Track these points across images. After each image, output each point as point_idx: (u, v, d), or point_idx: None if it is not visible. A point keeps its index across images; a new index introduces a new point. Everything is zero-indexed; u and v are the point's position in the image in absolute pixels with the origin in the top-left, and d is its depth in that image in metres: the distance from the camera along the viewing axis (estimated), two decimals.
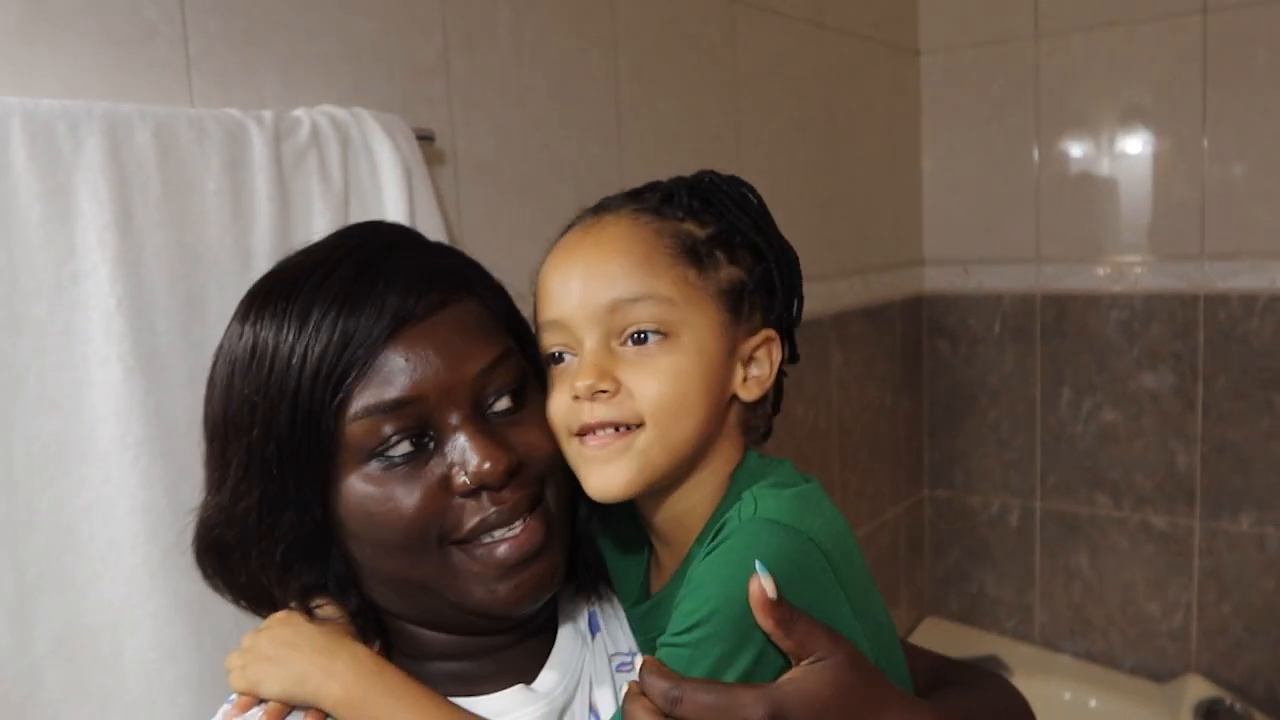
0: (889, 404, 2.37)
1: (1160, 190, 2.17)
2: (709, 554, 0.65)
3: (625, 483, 0.68)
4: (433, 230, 1.10)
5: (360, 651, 0.70)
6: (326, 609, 0.73)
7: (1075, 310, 2.28)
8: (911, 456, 2.49)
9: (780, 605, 0.61)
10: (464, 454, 0.67)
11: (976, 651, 2.36)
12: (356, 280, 0.67)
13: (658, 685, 0.60)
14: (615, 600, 0.84)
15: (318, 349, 0.65)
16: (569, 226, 0.75)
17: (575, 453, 0.71)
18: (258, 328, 0.68)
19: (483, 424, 0.69)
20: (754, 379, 0.73)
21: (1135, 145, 2.18)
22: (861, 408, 2.26)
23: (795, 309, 0.76)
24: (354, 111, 1.07)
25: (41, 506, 0.84)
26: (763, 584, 0.60)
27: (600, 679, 0.78)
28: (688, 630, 0.62)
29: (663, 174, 0.79)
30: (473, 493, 0.67)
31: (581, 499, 0.76)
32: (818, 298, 2.06)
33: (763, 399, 0.74)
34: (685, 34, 1.68)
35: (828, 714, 0.60)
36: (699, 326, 0.70)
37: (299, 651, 0.69)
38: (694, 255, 0.71)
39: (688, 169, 0.77)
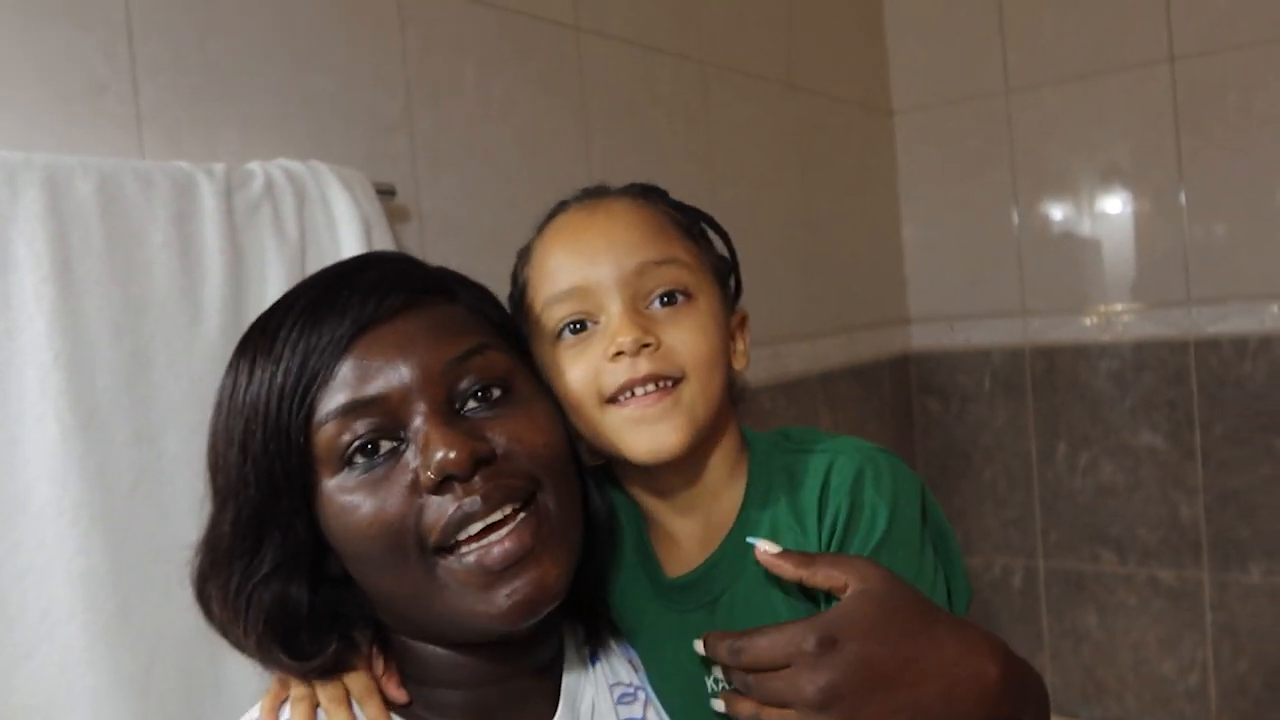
0: None
1: (1141, 240, 2.16)
2: (845, 489, 0.71)
3: (678, 440, 0.70)
4: None
5: None
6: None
7: (1065, 362, 2.24)
8: None
9: (790, 554, 0.68)
10: (427, 447, 0.64)
11: None
12: (322, 295, 0.68)
13: (721, 644, 0.66)
14: (610, 637, 0.82)
15: (282, 364, 0.65)
16: (557, 211, 0.79)
17: (613, 418, 0.71)
18: (237, 367, 0.68)
19: (449, 416, 0.66)
20: (740, 352, 0.79)
21: (1113, 197, 2.18)
22: None
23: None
24: (311, 165, 1.05)
25: None
26: (764, 548, 0.69)
27: (602, 712, 0.75)
28: (880, 542, 0.69)
29: None
30: (440, 487, 0.64)
31: (594, 522, 0.76)
32: (803, 357, 2.03)
33: (739, 382, 0.80)
34: (656, 94, 1.68)
35: (876, 632, 0.63)
36: (709, 293, 0.75)
37: None
38: (691, 234, 0.77)
39: None
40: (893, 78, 2.41)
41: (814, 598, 0.70)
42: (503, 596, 0.65)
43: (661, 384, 0.70)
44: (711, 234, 0.83)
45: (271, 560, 0.66)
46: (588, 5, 1.53)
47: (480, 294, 0.75)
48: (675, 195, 1.63)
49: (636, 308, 0.71)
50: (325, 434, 0.65)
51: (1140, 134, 2.12)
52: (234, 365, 0.69)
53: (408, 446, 0.66)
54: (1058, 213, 2.24)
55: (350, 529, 0.65)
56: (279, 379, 0.65)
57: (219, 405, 0.69)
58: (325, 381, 0.65)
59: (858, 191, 2.29)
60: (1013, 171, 2.27)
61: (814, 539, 0.72)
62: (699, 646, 0.70)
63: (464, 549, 0.65)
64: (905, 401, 2.43)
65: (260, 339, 0.68)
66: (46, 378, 0.82)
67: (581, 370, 0.72)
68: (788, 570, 0.68)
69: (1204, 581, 2.11)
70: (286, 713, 0.68)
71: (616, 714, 0.76)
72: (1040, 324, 2.27)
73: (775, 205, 2.00)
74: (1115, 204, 2.18)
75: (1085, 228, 2.22)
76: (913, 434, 2.46)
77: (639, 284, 0.72)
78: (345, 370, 0.65)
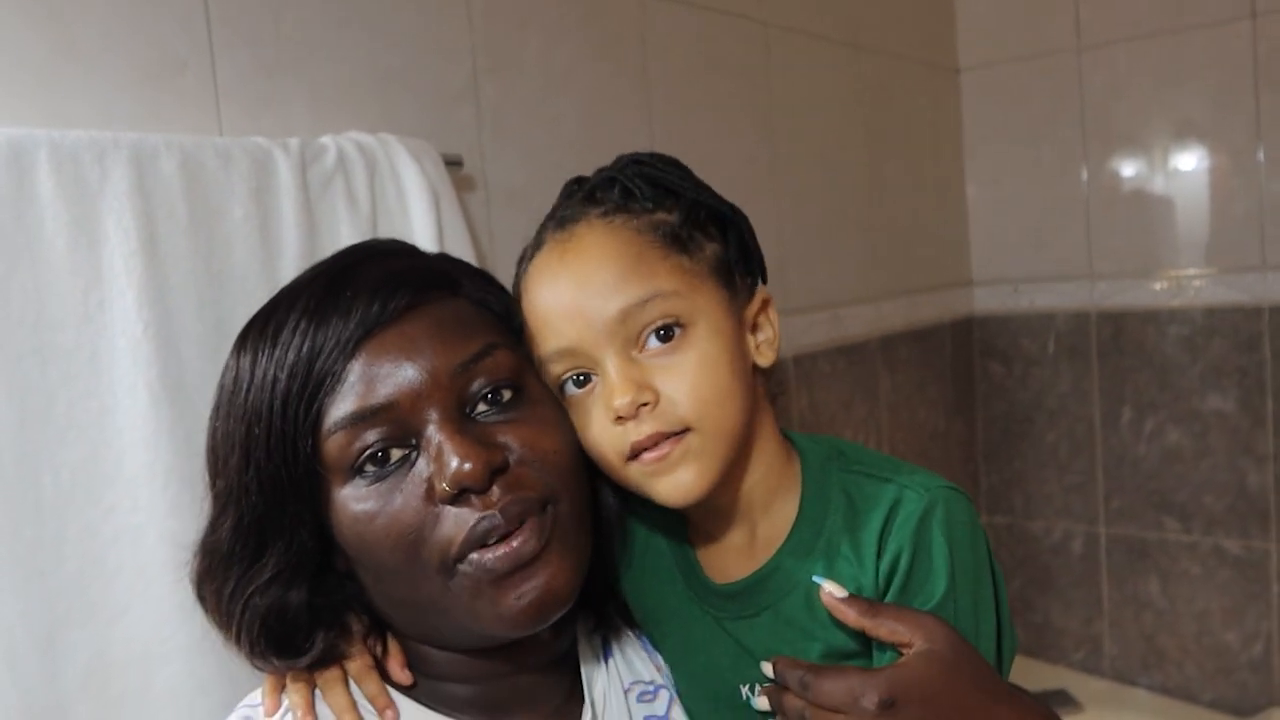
0: (941, 428, 2.31)
1: (1215, 202, 2.09)
2: (908, 531, 0.68)
3: (696, 483, 0.68)
4: (462, 253, 1.09)
5: None
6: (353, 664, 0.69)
7: (1132, 327, 2.20)
8: (967, 482, 2.41)
9: (857, 600, 0.66)
10: (440, 457, 0.62)
11: (1044, 685, 2.26)
12: (324, 295, 0.65)
13: (792, 673, 0.66)
14: (624, 626, 0.81)
15: (286, 369, 0.63)
16: (535, 248, 0.72)
17: (634, 472, 0.69)
18: (240, 357, 0.66)
19: (461, 423, 0.64)
20: (765, 343, 0.73)
21: (1187, 157, 2.12)
22: (912, 432, 2.20)
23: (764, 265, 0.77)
24: (380, 137, 1.07)
25: (70, 536, 0.83)
26: (829, 590, 0.67)
27: (615, 710, 0.74)
28: (944, 598, 0.67)
29: None
30: (457, 499, 0.62)
31: (603, 518, 0.74)
32: (863, 320, 2.02)
33: (776, 363, 0.75)
34: (717, 58, 1.67)
35: (936, 701, 0.62)
36: (708, 310, 0.69)
37: None
38: (679, 242, 0.69)
39: (725, 192, 0.76)
40: (960, 35, 2.36)
41: (864, 636, 0.68)
42: (512, 600, 0.63)
43: (669, 435, 0.67)
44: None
45: (273, 567, 0.65)
46: None
47: (484, 282, 0.72)
48: (735, 160, 1.56)
49: (629, 356, 0.67)
50: (335, 443, 0.63)
51: (1218, 92, 2.05)
52: (234, 363, 0.67)
53: (419, 454, 0.64)
54: (1128, 174, 2.19)
55: (365, 538, 0.64)
56: (283, 383, 0.63)
57: (218, 405, 0.67)
58: (332, 388, 0.63)
59: (922, 152, 2.26)
60: (1082, 131, 2.22)
61: (870, 575, 0.69)
62: (767, 669, 0.69)
63: (474, 555, 0.63)
64: (967, 365, 2.41)
65: (260, 338, 0.65)
66: (138, 348, 0.86)
67: (596, 428, 0.68)
68: (850, 617, 0.66)
69: (1271, 552, 2.08)
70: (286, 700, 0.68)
71: (629, 713, 0.75)
72: (1107, 287, 2.22)
73: (838, 166, 1.98)
74: (1189, 165, 2.11)
75: (1157, 190, 2.16)
76: (974, 397, 2.44)
77: (626, 330, 0.66)
78: (352, 376, 0.63)
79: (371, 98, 1.14)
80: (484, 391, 0.66)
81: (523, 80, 1.32)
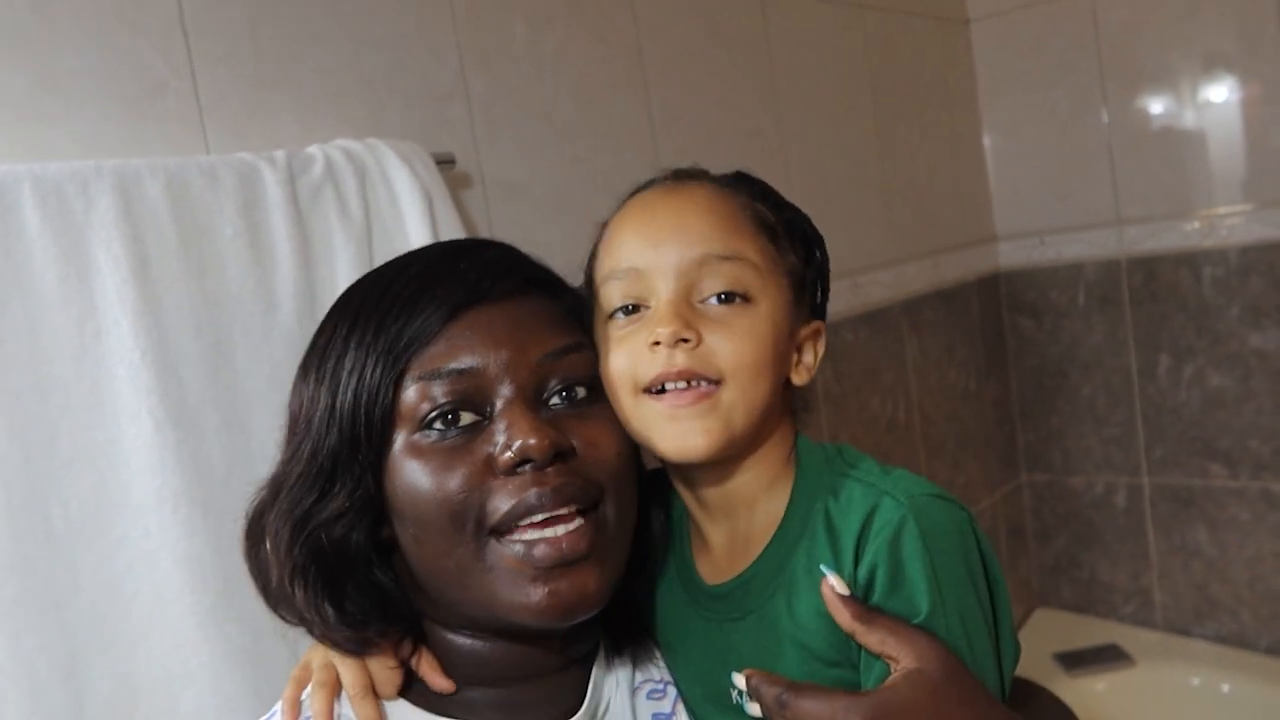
0: (974, 389, 2.27)
1: (1246, 135, 2.02)
2: (883, 542, 0.64)
3: (708, 443, 0.67)
4: None
5: None
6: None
7: (1165, 271, 2.14)
8: (1004, 441, 2.37)
9: (854, 602, 0.63)
10: (509, 430, 0.65)
11: (1095, 641, 2.22)
12: (440, 260, 0.71)
13: (769, 692, 0.64)
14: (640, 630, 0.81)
15: (391, 319, 0.67)
16: (643, 187, 0.77)
17: (646, 410, 0.69)
18: (339, 314, 0.71)
19: (535, 404, 0.68)
20: (804, 366, 0.75)
21: (1213, 90, 2.05)
22: (943, 395, 2.17)
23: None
24: (368, 143, 1.06)
25: (84, 566, 0.84)
26: (832, 583, 0.64)
27: (619, 709, 0.75)
28: (929, 616, 0.63)
29: None
30: (514, 470, 0.65)
31: (649, 532, 0.76)
32: (885, 284, 1.99)
33: (805, 386, 0.76)
34: (713, 30, 1.63)
35: None
36: (774, 299, 0.70)
37: None
38: (772, 233, 0.72)
39: (728, 166, 0.79)
40: None
41: (847, 645, 0.66)
42: (543, 593, 0.64)
43: (697, 384, 0.67)
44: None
45: (342, 502, 0.67)
46: None
47: (578, 300, 0.76)
48: (740, 133, 1.59)
49: (688, 300, 0.68)
50: (411, 393, 0.66)
51: (1241, 19, 1.98)
52: (339, 307, 0.72)
53: (488, 424, 0.67)
54: (1152, 113, 2.12)
55: (415, 490, 0.66)
56: (381, 334, 0.67)
57: (314, 345, 0.72)
58: (425, 344, 0.67)
59: (936, 108, 2.21)
60: (1101, 74, 2.15)
61: (848, 581, 0.66)
62: (739, 681, 0.67)
63: (518, 534, 0.65)
64: (996, 322, 2.37)
65: (370, 291, 0.70)
66: (137, 375, 0.86)
67: (624, 356, 0.70)
68: (844, 619, 0.63)
69: None
70: (306, 710, 0.69)
71: (634, 710, 0.76)
72: (1136, 232, 2.16)
73: (849, 131, 1.94)
74: (1215, 98, 2.04)
75: (1182, 127, 2.09)
76: (1005, 355, 2.39)
77: (697, 275, 0.68)
78: (447, 337, 0.67)
79: (358, 103, 1.13)
80: (561, 386, 0.69)
81: (512, 70, 1.30)
